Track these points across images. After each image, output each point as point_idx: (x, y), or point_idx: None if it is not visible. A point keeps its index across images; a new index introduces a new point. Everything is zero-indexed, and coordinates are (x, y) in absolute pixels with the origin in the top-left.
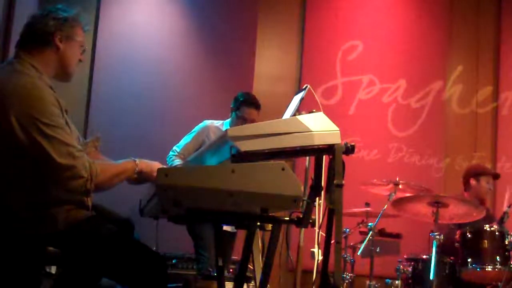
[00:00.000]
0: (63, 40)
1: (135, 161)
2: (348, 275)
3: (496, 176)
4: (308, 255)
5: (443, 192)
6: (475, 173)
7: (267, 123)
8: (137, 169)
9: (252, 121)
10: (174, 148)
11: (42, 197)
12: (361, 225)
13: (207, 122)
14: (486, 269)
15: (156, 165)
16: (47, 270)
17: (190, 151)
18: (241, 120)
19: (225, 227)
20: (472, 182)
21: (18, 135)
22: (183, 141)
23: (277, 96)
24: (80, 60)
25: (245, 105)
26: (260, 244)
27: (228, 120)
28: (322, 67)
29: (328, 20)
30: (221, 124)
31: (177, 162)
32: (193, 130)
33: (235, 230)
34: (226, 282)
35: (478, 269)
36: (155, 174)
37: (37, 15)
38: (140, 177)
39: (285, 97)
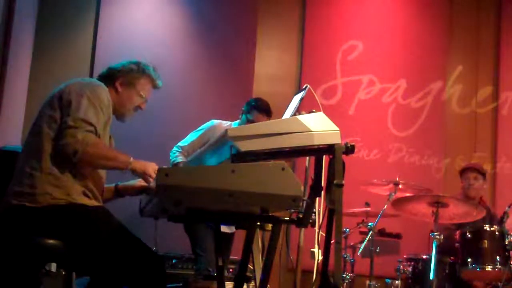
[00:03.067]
0: (123, 84)
1: (130, 158)
2: (348, 275)
3: (475, 170)
4: (308, 255)
5: (443, 192)
6: (460, 174)
7: (267, 123)
8: (129, 166)
9: None
10: (179, 144)
11: (62, 162)
12: (361, 225)
13: (215, 121)
14: (486, 269)
15: (151, 166)
16: (47, 268)
17: (195, 148)
18: (249, 123)
19: (222, 228)
20: (460, 183)
21: (63, 97)
22: (189, 138)
23: (277, 96)
24: (140, 108)
25: (256, 109)
26: (260, 244)
27: (237, 121)
28: (322, 67)
29: (328, 20)
30: (229, 125)
31: (180, 158)
32: (200, 128)
33: (231, 231)
34: (226, 282)
35: (478, 269)
36: (149, 174)
37: (125, 62)
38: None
39: (285, 97)
